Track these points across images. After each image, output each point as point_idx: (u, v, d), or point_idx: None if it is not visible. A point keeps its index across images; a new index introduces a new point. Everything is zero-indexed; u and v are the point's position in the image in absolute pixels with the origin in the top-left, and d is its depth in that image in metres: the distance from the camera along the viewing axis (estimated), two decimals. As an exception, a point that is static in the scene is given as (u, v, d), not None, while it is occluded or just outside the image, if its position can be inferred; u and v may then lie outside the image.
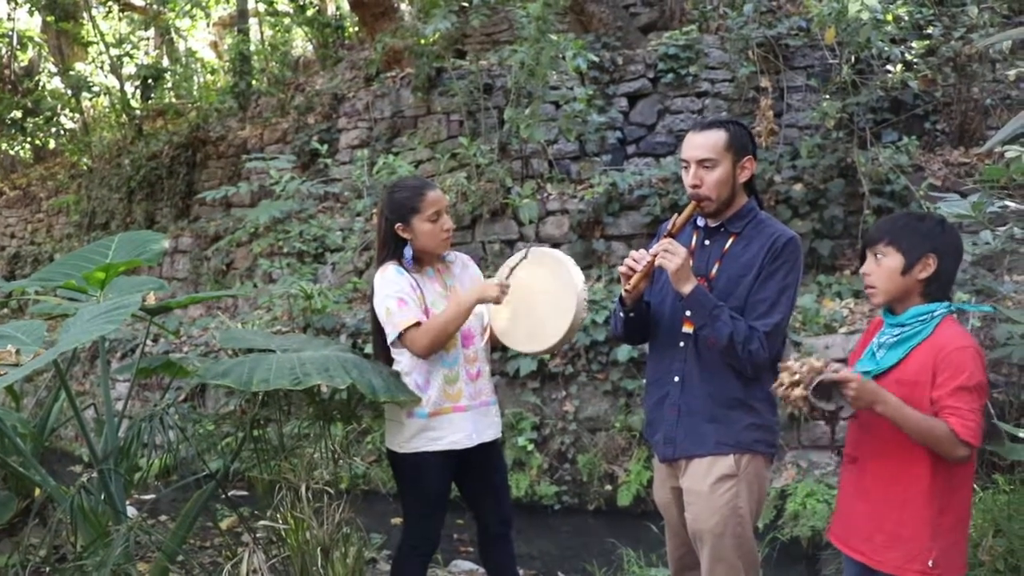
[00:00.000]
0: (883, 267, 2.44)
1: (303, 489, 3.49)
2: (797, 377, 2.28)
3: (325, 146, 7.79)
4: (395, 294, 2.98)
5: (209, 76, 15.05)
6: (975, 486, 3.20)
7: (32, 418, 4.21)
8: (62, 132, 13.52)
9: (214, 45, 16.77)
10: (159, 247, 4.08)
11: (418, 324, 2.94)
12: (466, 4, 7.45)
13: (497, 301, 2.98)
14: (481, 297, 2.97)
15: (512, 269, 3.07)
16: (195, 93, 13.92)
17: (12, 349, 2.93)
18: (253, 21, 13.93)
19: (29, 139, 13.58)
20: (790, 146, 6.79)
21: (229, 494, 3.67)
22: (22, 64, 13.96)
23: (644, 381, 3.34)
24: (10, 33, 12.96)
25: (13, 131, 13.08)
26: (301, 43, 13.77)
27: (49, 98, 13.30)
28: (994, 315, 4.90)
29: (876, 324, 2.60)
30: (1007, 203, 4.07)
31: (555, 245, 6.75)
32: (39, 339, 3.20)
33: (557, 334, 2.96)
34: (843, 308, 5.85)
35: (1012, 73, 6.40)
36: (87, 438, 3.51)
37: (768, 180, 6.47)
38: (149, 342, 7.18)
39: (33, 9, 12.27)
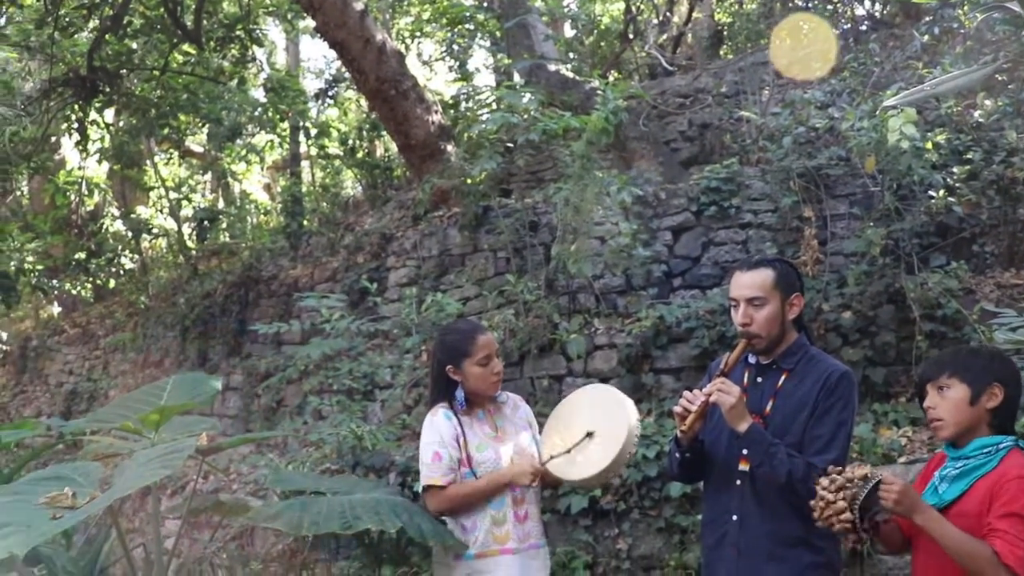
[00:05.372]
0: (948, 400, 2.41)
1: (353, 635, 3.42)
2: (839, 493, 2.22)
3: (374, 284, 7.92)
4: (434, 445, 3.02)
5: (262, 217, 15.56)
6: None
7: (81, 557, 4.20)
8: (122, 272, 13.98)
9: (267, 187, 17.42)
10: (212, 389, 4.15)
11: (442, 487, 2.97)
12: (511, 145, 7.69)
13: (529, 484, 3.00)
14: (514, 481, 3.00)
15: (552, 457, 3.08)
16: (248, 233, 14.38)
17: (69, 492, 2.96)
18: (305, 164, 14.50)
19: (91, 279, 14.05)
20: (836, 274, 6.77)
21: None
22: (88, 209, 14.61)
23: (698, 517, 3.27)
24: (80, 180, 13.63)
25: (77, 272, 13.56)
26: (351, 184, 14.23)
27: (111, 240, 13.83)
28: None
29: (938, 459, 2.54)
30: (1061, 325, 4.00)
31: (604, 380, 6.70)
32: (95, 481, 3.24)
33: (604, 461, 2.93)
34: (901, 437, 5.68)
35: (1056, 193, 6.41)
36: (137, 583, 3.49)
37: (816, 309, 6.43)
38: (200, 479, 7.19)
39: (102, 159, 12.93)
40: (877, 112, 6.27)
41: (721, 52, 12.11)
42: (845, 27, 9.53)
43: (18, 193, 14.84)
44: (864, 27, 9.77)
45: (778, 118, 7.53)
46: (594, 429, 3.02)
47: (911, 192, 6.60)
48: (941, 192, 6.37)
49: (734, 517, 2.74)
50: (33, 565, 3.58)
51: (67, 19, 10.77)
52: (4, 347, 15.93)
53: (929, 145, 6.27)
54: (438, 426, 3.05)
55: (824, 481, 2.28)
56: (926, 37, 8.16)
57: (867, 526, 2.24)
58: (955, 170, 6.59)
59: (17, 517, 2.70)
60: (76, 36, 11.40)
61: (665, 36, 12.88)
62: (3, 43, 11.43)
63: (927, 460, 5.01)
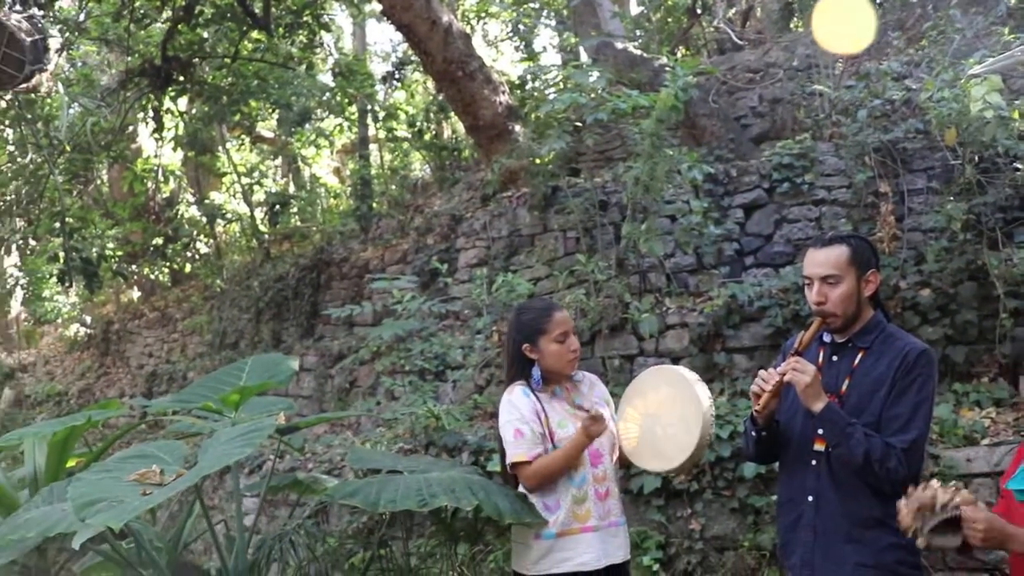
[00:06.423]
0: None
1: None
2: (914, 523, 2.17)
3: (444, 265, 7.97)
4: (514, 422, 3.02)
5: (332, 200, 15.79)
6: None
7: (166, 532, 4.36)
8: (197, 257, 14.34)
9: (337, 171, 17.66)
10: (290, 370, 4.24)
11: (528, 462, 2.97)
12: (579, 124, 7.64)
13: (602, 428, 2.96)
14: (589, 435, 2.94)
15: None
16: (319, 217, 14.60)
17: (157, 469, 3.08)
18: (373, 147, 14.64)
19: (168, 264, 14.45)
20: (914, 250, 6.59)
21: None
22: (165, 196, 15.01)
23: (773, 498, 3.23)
24: (156, 168, 14.01)
25: (155, 257, 13.97)
26: (419, 166, 14.33)
27: (187, 225, 14.21)
28: None
29: (1032, 442, 2.46)
30: None
31: (675, 359, 6.66)
32: (180, 459, 3.36)
33: (684, 453, 2.93)
34: (983, 418, 5.53)
35: None
36: (221, 556, 3.61)
37: (893, 286, 6.27)
38: (276, 458, 7.35)
39: (176, 146, 13.27)
40: (959, 81, 6.06)
41: (792, 25, 11.83)
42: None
43: (99, 182, 15.31)
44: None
45: (852, 91, 7.35)
46: (669, 417, 3.00)
47: (994, 164, 6.37)
48: (1026, 163, 6.14)
49: (810, 498, 2.70)
50: (121, 539, 3.72)
51: (142, 11, 11.05)
52: (88, 330, 16.52)
53: (1015, 114, 6.03)
54: (516, 403, 3.05)
55: (904, 511, 2.22)
56: (1012, 0, 7.85)
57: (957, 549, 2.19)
58: (1042, 140, 6.34)
59: (109, 493, 2.81)
60: (150, 27, 11.70)
61: (734, 10, 12.62)
62: (84, 37, 11.78)
63: (1013, 442, 4.88)
